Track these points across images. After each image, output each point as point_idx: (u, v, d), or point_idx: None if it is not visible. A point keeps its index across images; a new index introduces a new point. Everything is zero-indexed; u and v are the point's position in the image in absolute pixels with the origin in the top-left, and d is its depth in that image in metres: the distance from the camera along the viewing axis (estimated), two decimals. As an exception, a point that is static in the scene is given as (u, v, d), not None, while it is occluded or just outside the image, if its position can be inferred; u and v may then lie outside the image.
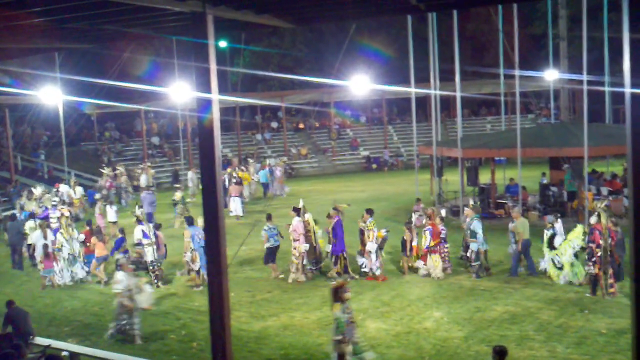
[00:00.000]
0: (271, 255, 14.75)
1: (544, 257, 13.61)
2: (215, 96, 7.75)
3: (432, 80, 21.75)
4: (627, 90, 5.16)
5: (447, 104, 37.76)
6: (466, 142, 21.33)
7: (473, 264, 13.86)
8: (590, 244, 12.19)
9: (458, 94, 21.01)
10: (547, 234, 13.54)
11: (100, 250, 15.15)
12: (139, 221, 15.10)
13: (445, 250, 14.18)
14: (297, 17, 9.02)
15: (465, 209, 14.50)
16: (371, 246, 14.04)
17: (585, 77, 17.72)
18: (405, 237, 14.47)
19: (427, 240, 13.94)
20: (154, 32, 9.52)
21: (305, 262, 14.38)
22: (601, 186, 20.25)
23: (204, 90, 7.74)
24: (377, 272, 14.02)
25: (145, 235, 14.58)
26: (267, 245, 14.66)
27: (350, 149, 39.75)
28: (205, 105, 7.77)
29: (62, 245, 15.18)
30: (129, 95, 30.65)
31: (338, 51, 38.16)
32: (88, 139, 36.63)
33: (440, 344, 10.25)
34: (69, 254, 15.19)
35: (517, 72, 19.62)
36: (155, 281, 14.26)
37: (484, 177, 22.50)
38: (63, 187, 24.02)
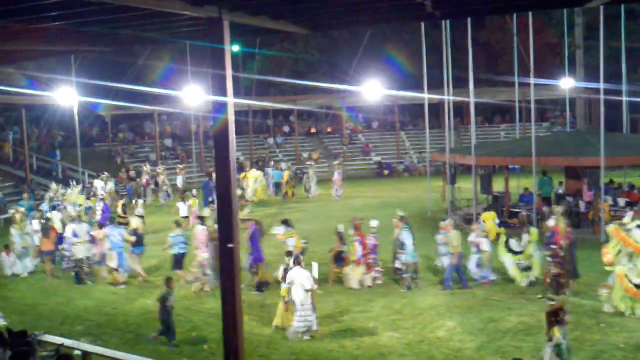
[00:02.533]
0: (177, 262, 14.72)
1: (505, 261, 13.66)
2: (230, 100, 7.76)
3: (445, 87, 21.66)
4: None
5: (460, 110, 37.57)
6: (480, 149, 21.18)
7: (404, 275, 13.72)
8: (553, 246, 12.82)
9: (472, 99, 20.89)
10: (502, 239, 13.79)
11: (45, 245, 16.02)
12: (72, 220, 16.22)
13: (373, 261, 14.02)
14: (312, 23, 9.03)
15: (394, 219, 14.29)
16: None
17: (602, 85, 17.54)
18: (335, 247, 14.33)
19: (357, 250, 13.84)
20: (170, 37, 9.57)
21: (208, 271, 14.12)
22: (618, 197, 20.00)
23: (219, 94, 7.75)
24: None
25: (74, 234, 15.42)
26: (172, 252, 14.71)
27: (362, 155, 39.68)
28: (220, 108, 7.78)
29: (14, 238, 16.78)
30: (142, 97, 30.86)
31: (351, 56, 38.20)
32: (102, 140, 36.94)
33: (452, 354, 10.14)
34: (22, 247, 16.66)
35: (531, 80, 19.48)
36: (85, 277, 15.24)
37: (498, 185, 22.33)
38: (97, 182, 25.93)
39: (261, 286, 13.96)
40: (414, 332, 11.14)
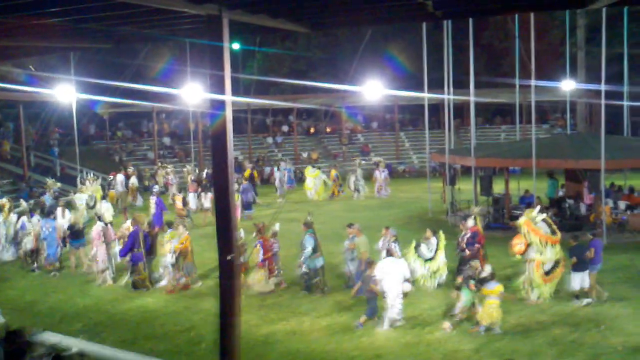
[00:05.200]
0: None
1: (414, 267, 13.51)
2: (229, 98, 7.71)
3: (446, 87, 21.62)
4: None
5: (460, 111, 37.52)
6: (480, 150, 21.14)
7: (305, 279, 13.62)
8: (477, 245, 13.42)
9: (472, 99, 20.85)
10: (414, 243, 13.86)
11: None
12: (26, 214, 17.45)
13: (276, 265, 13.99)
14: (313, 22, 8.98)
15: (302, 225, 14.19)
16: (166, 260, 14.21)
17: (603, 87, 17.50)
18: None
19: (259, 254, 13.77)
20: (169, 34, 9.54)
21: (105, 266, 14.80)
22: (619, 200, 19.96)
23: (218, 92, 7.71)
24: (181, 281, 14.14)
25: (22, 226, 16.77)
26: None
27: (361, 155, 39.65)
28: (219, 107, 7.73)
29: None
30: (141, 96, 30.85)
31: (352, 56, 38.20)
32: (100, 138, 36.90)
33: (450, 355, 10.10)
34: (5, 233, 17.55)
35: (533, 82, 19.43)
36: (34, 266, 16.28)
37: (498, 187, 22.29)
38: (119, 177, 26.30)
39: (136, 285, 14.26)
40: (412, 333, 11.10)
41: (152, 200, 21.08)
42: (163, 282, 14.40)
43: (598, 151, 17.42)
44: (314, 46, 43.29)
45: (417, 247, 13.77)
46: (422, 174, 31.17)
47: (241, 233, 14.07)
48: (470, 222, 13.81)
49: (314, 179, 27.70)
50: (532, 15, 20.32)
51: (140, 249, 14.28)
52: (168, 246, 14.26)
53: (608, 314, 11.74)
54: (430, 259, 13.56)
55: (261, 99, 37.71)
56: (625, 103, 22.90)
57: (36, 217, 16.91)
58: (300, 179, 31.07)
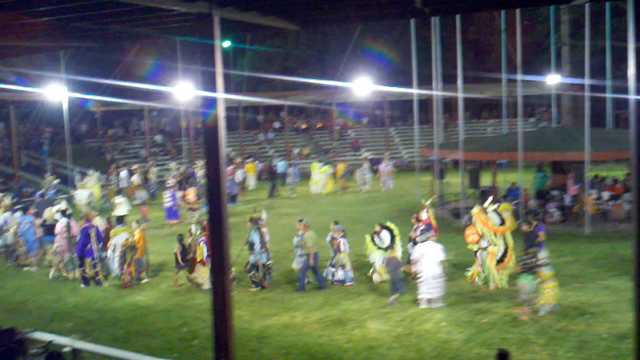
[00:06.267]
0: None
1: (374, 258, 13.89)
2: (220, 96, 7.80)
3: (434, 83, 21.82)
4: (632, 96, 5.22)
5: (449, 106, 37.81)
6: (468, 144, 21.38)
7: (252, 273, 13.85)
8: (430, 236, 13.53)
9: (460, 95, 21.07)
10: (369, 236, 14.05)
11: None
12: (7, 210, 17.95)
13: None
14: (302, 20, 9.08)
15: (248, 221, 14.53)
16: (110, 254, 14.86)
17: (587, 81, 17.78)
18: (175, 250, 14.49)
19: (204, 250, 13.92)
20: (160, 32, 9.58)
21: (65, 259, 15.23)
22: (602, 191, 20.29)
23: (209, 90, 7.79)
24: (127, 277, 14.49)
25: (5, 222, 17.42)
26: None
27: (352, 150, 39.82)
28: (210, 105, 7.82)
29: None
30: (132, 94, 30.79)
31: (341, 53, 38.24)
32: (91, 137, 36.75)
33: (441, 346, 10.29)
34: None
35: (519, 77, 19.67)
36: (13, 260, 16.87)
37: (486, 180, 22.55)
38: (122, 174, 27.25)
39: (88, 281, 14.74)
40: (403, 325, 11.28)
41: (167, 194, 21.49)
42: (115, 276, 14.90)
43: (582, 144, 17.73)
44: (303, 44, 43.38)
45: (372, 239, 14.00)
46: (412, 168, 31.38)
47: (193, 229, 14.44)
48: (423, 215, 14.17)
49: (320, 173, 28.18)
50: (518, 11, 20.57)
51: (90, 245, 14.70)
52: (112, 241, 14.76)
53: (593, 302, 11.99)
54: (387, 248, 13.75)
55: (252, 96, 37.76)
56: (609, 95, 23.23)
57: (18, 213, 17.32)
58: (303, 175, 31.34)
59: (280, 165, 30.09)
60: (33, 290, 14.62)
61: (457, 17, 20.82)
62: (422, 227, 13.94)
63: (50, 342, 9.49)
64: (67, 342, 10.02)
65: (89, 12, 7.64)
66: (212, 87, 7.77)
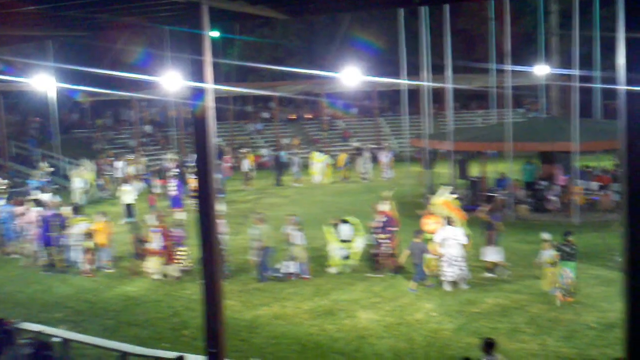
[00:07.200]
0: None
1: (332, 249, 13.98)
2: (209, 86, 7.75)
3: (423, 73, 21.81)
4: (622, 87, 5.23)
5: (438, 97, 37.76)
6: (457, 135, 21.43)
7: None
8: (390, 228, 13.76)
9: (449, 86, 21.09)
10: (328, 228, 14.17)
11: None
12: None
13: (181, 253, 14.33)
14: (291, 9, 9.01)
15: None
16: (68, 242, 15.06)
17: (576, 72, 17.86)
18: (132, 240, 14.77)
19: (156, 241, 14.13)
20: (148, 22, 9.45)
21: (36, 248, 15.43)
22: (591, 181, 20.45)
23: (198, 80, 7.74)
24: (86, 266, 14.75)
25: None
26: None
27: (342, 140, 39.78)
28: (199, 95, 7.77)
29: None
30: (121, 84, 30.50)
31: (330, 43, 38.19)
32: (80, 127, 36.45)
33: (431, 336, 10.37)
34: None
35: (508, 67, 19.72)
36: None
37: (475, 170, 22.63)
38: (118, 164, 27.24)
39: (49, 268, 15.03)
40: (394, 315, 11.34)
41: (173, 183, 21.68)
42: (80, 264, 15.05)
43: (571, 134, 17.82)
44: (292, 34, 43.15)
45: (332, 231, 14.07)
46: (402, 158, 31.48)
47: (152, 219, 14.66)
48: (383, 207, 14.13)
49: (320, 163, 28.38)
50: (507, 1, 20.59)
51: (52, 233, 14.98)
52: (71, 230, 15.02)
53: (582, 292, 12.09)
54: (347, 241, 13.87)
55: (242, 86, 37.56)
56: (598, 86, 23.36)
57: (2, 202, 17.57)
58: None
59: (281, 156, 30.38)
60: (22, 282, 14.53)
61: (446, 6, 20.80)
62: (384, 219, 13.85)
63: (39, 332, 9.47)
64: (56, 333, 10.01)
65: (77, 0, 7.54)
66: (200, 77, 7.72)
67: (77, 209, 16.33)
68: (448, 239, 12.69)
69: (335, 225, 14.12)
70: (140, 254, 14.42)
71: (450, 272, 12.55)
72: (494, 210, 14.51)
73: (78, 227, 15.07)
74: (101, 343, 9.89)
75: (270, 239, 13.73)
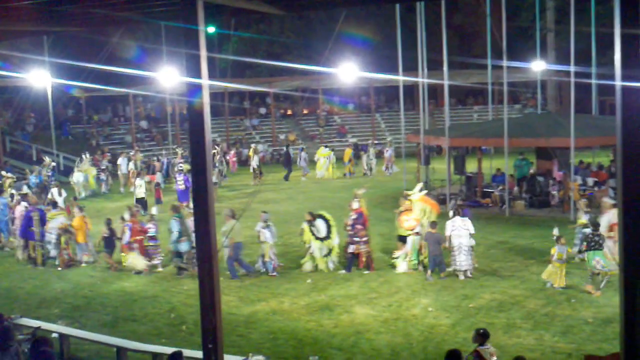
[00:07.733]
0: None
1: (312, 247, 13.95)
2: (205, 82, 7.74)
3: (419, 69, 21.82)
4: (618, 83, 5.25)
5: (434, 93, 37.85)
6: (453, 131, 21.46)
7: (174, 262, 14.23)
8: (359, 226, 13.69)
9: (446, 82, 21.11)
10: (306, 225, 14.09)
11: None
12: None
13: (153, 247, 14.50)
14: (287, 4, 9.00)
15: (170, 208, 14.90)
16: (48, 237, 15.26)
17: (572, 68, 17.88)
18: (104, 234, 14.84)
19: (126, 235, 14.32)
20: (144, 17, 9.43)
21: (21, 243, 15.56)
22: (587, 177, 20.49)
23: (194, 75, 7.73)
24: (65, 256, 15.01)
25: None
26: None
27: (338, 136, 39.80)
28: (195, 90, 7.76)
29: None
30: (117, 79, 30.38)
31: (326, 38, 37.94)
32: (76, 122, 36.36)
33: (428, 331, 10.39)
34: None
35: (504, 63, 19.73)
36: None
37: (471, 166, 22.68)
38: (121, 160, 27.40)
39: (31, 261, 15.24)
40: (391, 310, 11.37)
41: (180, 177, 21.85)
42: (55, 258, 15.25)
43: (568, 130, 17.87)
44: (288, 29, 43.08)
45: (310, 229, 14.01)
46: (399, 154, 31.56)
47: (126, 214, 14.81)
48: (355, 204, 14.03)
49: (324, 158, 28.62)
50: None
51: (32, 228, 15.15)
52: (48, 224, 15.21)
53: (578, 287, 12.14)
54: (324, 238, 13.87)
55: (238, 82, 37.49)
56: (594, 81, 23.40)
57: None
58: (278, 160, 31.39)
59: (290, 151, 30.54)
60: (19, 277, 14.51)
61: (442, 2, 20.79)
62: (354, 217, 13.79)
63: (37, 327, 9.48)
64: (54, 328, 10.02)
65: (72, -5, 7.52)
66: (196, 72, 7.70)
67: (55, 204, 16.46)
68: (458, 228, 13.05)
69: (311, 222, 14.03)
70: (108, 248, 14.70)
71: (464, 261, 12.91)
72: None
73: (55, 221, 15.28)
74: (99, 338, 9.90)
75: (240, 235, 13.75)
